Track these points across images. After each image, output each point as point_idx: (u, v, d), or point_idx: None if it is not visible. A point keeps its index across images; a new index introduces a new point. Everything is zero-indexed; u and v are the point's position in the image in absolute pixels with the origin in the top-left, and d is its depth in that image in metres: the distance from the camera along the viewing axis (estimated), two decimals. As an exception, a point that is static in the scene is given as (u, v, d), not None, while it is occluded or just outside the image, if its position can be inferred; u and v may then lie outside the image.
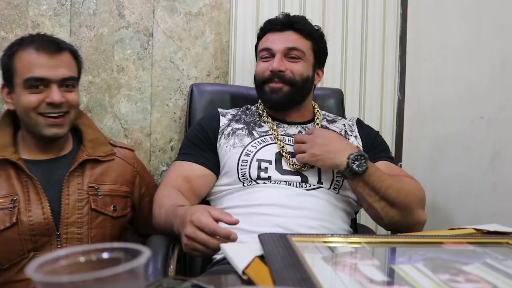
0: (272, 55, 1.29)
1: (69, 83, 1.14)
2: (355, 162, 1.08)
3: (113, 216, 1.22)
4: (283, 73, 1.26)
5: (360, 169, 1.08)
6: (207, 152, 1.26)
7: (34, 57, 1.11)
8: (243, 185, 1.19)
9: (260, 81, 1.30)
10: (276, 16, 1.36)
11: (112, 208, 1.21)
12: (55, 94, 1.10)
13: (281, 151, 1.22)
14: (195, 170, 1.23)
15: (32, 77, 1.09)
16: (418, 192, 1.19)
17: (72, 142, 1.25)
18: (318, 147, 1.12)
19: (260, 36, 1.36)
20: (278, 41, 1.29)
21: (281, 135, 1.27)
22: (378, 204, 1.11)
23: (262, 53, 1.31)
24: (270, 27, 1.33)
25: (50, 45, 1.13)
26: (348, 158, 1.08)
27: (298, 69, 1.28)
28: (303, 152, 1.14)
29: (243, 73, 1.67)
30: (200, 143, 1.28)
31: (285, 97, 1.27)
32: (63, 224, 1.13)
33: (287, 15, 1.34)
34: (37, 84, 1.10)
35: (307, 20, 1.36)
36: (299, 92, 1.30)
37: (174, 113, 1.65)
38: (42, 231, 1.11)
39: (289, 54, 1.28)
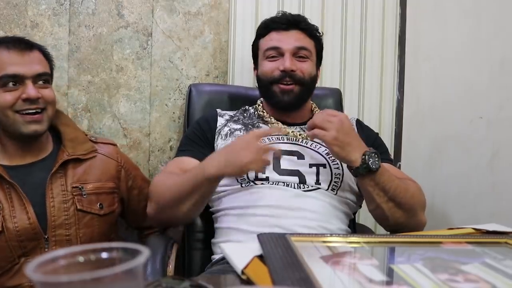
0: (280, 54, 1.27)
1: (43, 78, 1.13)
2: (370, 159, 1.05)
3: (100, 214, 1.20)
4: (294, 72, 1.26)
5: (374, 166, 1.05)
6: (205, 148, 1.26)
7: (5, 55, 1.10)
8: (241, 185, 1.18)
9: (268, 81, 1.28)
10: (277, 15, 1.35)
11: (98, 206, 1.20)
12: (30, 90, 1.09)
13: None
14: (192, 163, 1.21)
15: (6, 74, 1.08)
16: (421, 195, 1.20)
17: (51, 143, 1.23)
18: (342, 135, 1.06)
19: (261, 35, 1.34)
20: (286, 40, 1.28)
21: (280, 135, 1.27)
22: (386, 205, 1.10)
23: (269, 52, 1.29)
24: (275, 25, 1.31)
25: (20, 43, 1.13)
26: (364, 155, 1.05)
27: (307, 68, 1.28)
28: (324, 129, 1.07)
29: (242, 72, 1.67)
30: (198, 140, 1.28)
31: (296, 97, 1.27)
32: (50, 227, 1.12)
33: (290, 14, 1.34)
34: (11, 81, 1.09)
35: (306, 19, 1.35)
36: (308, 92, 1.31)
37: (173, 112, 1.65)
38: (29, 236, 1.10)
39: (298, 53, 1.27)
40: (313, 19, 1.42)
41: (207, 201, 1.16)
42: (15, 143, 1.15)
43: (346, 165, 1.11)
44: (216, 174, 1.04)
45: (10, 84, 1.09)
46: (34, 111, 1.11)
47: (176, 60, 1.64)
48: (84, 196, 1.18)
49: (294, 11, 1.57)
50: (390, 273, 0.66)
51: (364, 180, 1.08)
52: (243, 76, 1.67)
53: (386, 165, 1.23)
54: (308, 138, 1.25)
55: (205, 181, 1.05)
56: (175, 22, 1.63)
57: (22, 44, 1.13)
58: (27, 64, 1.10)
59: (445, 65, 1.60)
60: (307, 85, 1.28)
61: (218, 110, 1.38)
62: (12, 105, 1.09)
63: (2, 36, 1.21)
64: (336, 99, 1.62)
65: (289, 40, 1.28)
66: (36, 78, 1.11)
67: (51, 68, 1.20)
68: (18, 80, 1.09)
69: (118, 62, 1.59)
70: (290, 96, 1.26)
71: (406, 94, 1.82)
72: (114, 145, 1.34)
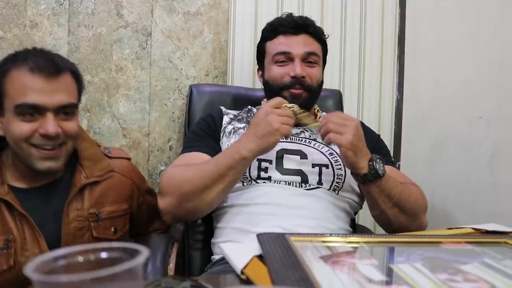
0: (289, 59, 1.26)
1: (68, 110, 0.99)
2: (377, 165, 1.05)
3: (113, 239, 1.11)
4: (304, 79, 1.25)
5: (381, 172, 1.04)
6: (213, 143, 1.25)
7: (28, 79, 0.94)
8: (243, 184, 1.18)
9: (278, 87, 1.26)
10: (284, 17, 1.32)
11: (112, 230, 1.11)
12: (50, 125, 0.95)
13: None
14: (204, 158, 1.19)
15: (25, 103, 0.94)
16: (423, 198, 1.20)
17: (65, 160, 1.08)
18: (357, 139, 1.03)
19: (268, 37, 1.32)
20: (295, 44, 1.26)
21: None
22: (391, 210, 1.09)
23: (278, 57, 1.27)
24: (283, 29, 1.29)
25: (48, 65, 0.96)
26: (371, 161, 1.04)
27: (316, 74, 1.28)
28: (340, 133, 1.03)
29: (242, 72, 1.68)
30: (206, 136, 1.27)
31: (304, 103, 1.25)
32: None
33: (299, 17, 1.32)
34: (30, 111, 0.94)
35: (312, 21, 1.33)
36: (315, 97, 1.31)
37: (173, 112, 1.65)
38: None
39: (308, 58, 1.26)
40: (313, 19, 1.42)
41: (233, 187, 1.14)
42: (26, 167, 1.02)
43: (350, 170, 1.09)
44: (255, 150, 1.05)
45: (29, 114, 0.95)
46: (51, 146, 0.98)
47: (175, 60, 1.64)
48: (100, 222, 1.08)
49: (293, 11, 1.57)
50: (389, 273, 0.66)
51: (370, 186, 1.07)
52: (242, 76, 1.68)
53: (388, 168, 1.24)
54: (317, 140, 1.24)
55: (241, 161, 1.05)
56: (175, 22, 1.63)
57: (51, 68, 0.96)
58: (51, 93, 0.95)
59: (444, 65, 1.61)
60: (315, 92, 1.29)
61: (223, 109, 1.37)
62: (28, 138, 0.96)
63: (28, 50, 1.02)
64: (336, 100, 1.62)
65: (298, 45, 1.26)
66: (58, 109, 0.97)
67: (80, 92, 1.05)
68: (38, 111, 0.95)
69: (117, 62, 1.59)
70: (299, 101, 1.23)
71: (405, 94, 1.82)
72: (128, 159, 1.23)
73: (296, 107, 1.13)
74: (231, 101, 1.53)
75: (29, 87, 0.94)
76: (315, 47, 1.29)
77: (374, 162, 1.04)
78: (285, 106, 1.11)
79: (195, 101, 1.52)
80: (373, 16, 1.81)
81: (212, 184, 1.07)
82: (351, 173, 1.10)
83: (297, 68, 1.23)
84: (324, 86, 1.68)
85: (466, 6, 1.50)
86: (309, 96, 1.27)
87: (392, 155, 1.79)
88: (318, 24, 1.34)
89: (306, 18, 1.32)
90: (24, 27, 1.50)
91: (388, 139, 1.82)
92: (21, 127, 0.95)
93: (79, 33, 1.55)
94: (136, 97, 1.61)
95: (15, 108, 0.94)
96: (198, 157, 1.20)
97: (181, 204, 1.11)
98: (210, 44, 1.67)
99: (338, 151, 1.24)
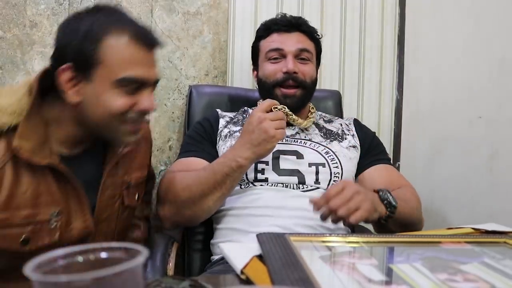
0: (282, 56, 1.27)
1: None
2: (387, 197, 1.01)
3: (135, 207, 1.07)
4: (296, 75, 1.25)
5: (394, 202, 1.01)
6: (209, 147, 1.26)
7: (132, 50, 0.87)
8: (240, 187, 1.18)
9: (271, 84, 1.27)
10: (277, 17, 1.34)
11: (136, 197, 1.05)
12: (150, 101, 0.89)
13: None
14: (201, 164, 1.19)
15: (130, 77, 0.86)
16: (419, 203, 1.19)
17: None
18: (368, 202, 0.94)
19: (262, 36, 1.33)
20: (288, 41, 1.27)
21: None
22: (393, 227, 1.06)
23: (271, 54, 1.28)
24: (276, 27, 1.30)
25: (149, 35, 0.91)
26: (381, 198, 1.01)
27: (309, 71, 1.28)
28: (356, 209, 0.90)
29: (241, 72, 1.67)
30: (202, 140, 1.27)
31: (298, 101, 1.26)
32: (95, 223, 0.96)
33: (291, 16, 1.33)
34: (133, 86, 0.87)
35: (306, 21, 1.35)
36: (309, 95, 1.30)
37: (173, 112, 1.65)
38: (81, 240, 0.91)
39: (300, 55, 1.27)
40: (312, 20, 1.42)
41: (230, 194, 1.15)
42: (73, 130, 0.91)
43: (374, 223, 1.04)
44: (252, 158, 1.06)
45: (129, 89, 0.87)
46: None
47: (175, 60, 1.64)
48: (130, 189, 1.03)
49: (293, 11, 1.58)
50: (389, 272, 0.66)
51: (390, 221, 1.02)
52: (242, 76, 1.67)
53: (381, 166, 1.24)
54: (312, 139, 1.24)
55: (238, 169, 1.06)
56: (174, 22, 1.63)
57: (153, 38, 0.92)
58: (151, 66, 0.91)
59: (444, 65, 1.61)
60: (309, 88, 1.28)
61: (219, 111, 1.37)
62: (124, 113, 0.87)
63: (115, 9, 0.92)
64: (335, 101, 1.62)
65: (291, 41, 1.27)
66: (154, 84, 0.93)
67: None
68: (140, 85, 0.88)
69: (117, 62, 1.59)
70: (292, 100, 1.25)
71: (405, 94, 1.82)
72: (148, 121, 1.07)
73: (286, 109, 1.13)
74: (230, 102, 1.53)
75: (134, 59, 0.87)
76: (308, 44, 1.30)
77: (383, 196, 1.02)
78: (276, 108, 1.12)
79: (195, 101, 1.52)
80: (373, 16, 1.81)
81: (210, 192, 1.08)
82: (375, 225, 1.07)
83: (290, 64, 1.24)
84: (323, 87, 1.68)
85: (465, 7, 1.50)
86: (303, 93, 1.27)
87: (391, 155, 1.80)
88: (317, 25, 1.36)
89: (300, 18, 1.34)
90: (23, 27, 1.50)
91: (387, 139, 1.82)
92: (118, 101, 0.86)
93: (78, 33, 1.55)
94: (136, 97, 1.61)
95: (117, 81, 0.85)
96: (195, 162, 1.21)
97: (180, 212, 1.13)
98: (210, 44, 1.67)
99: (334, 150, 1.24)
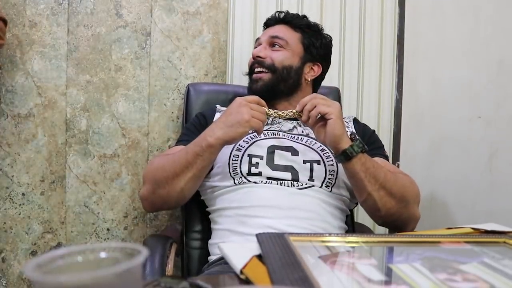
0: (260, 45, 1.35)
1: None
2: (357, 141, 1.06)
3: None
4: (262, 59, 1.31)
5: (362, 145, 1.05)
6: None
7: None
8: (234, 182, 1.18)
9: (249, 73, 1.36)
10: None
11: None
12: None
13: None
14: None
15: None
16: (413, 186, 1.18)
17: None
18: (340, 120, 1.06)
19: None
20: (267, 33, 1.36)
21: (275, 130, 1.27)
22: (377, 193, 1.07)
23: (254, 46, 1.38)
24: (267, 22, 1.41)
25: None
26: (351, 137, 1.07)
27: (278, 56, 1.31)
28: (328, 105, 1.06)
29: (241, 72, 1.67)
30: (195, 131, 1.27)
31: (266, 85, 1.30)
32: None
33: (283, 12, 1.39)
34: None
35: (303, 17, 1.39)
36: (281, 80, 1.31)
37: (172, 112, 1.65)
38: None
39: (272, 42, 1.33)
40: (312, 18, 1.42)
41: (203, 176, 1.16)
42: None
43: (337, 159, 1.09)
44: (222, 138, 1.06)
45: None
46: None
47: (174, 59, 1.64)
48: None
49: (292, 11, 1.57)
50: (388, 272, 0.66)
51: (355, 164, 1.05)
52: (241, 75, 1.67)
53: (379, 160, 1.23)
54: (309, 135, 1.24)
55: (207, 149, 1.07)
56: (174, 21, 1.63)
57: None
58: None
59: (443, 65, 1.61)
60: (279, 73, 1.30)
61: (218, 106, 1.39)
62: None
63: None
64: (334, 98, 1.62)
65: (268, 32, 1.35)
66: None
67: None
68: None
69: (116, 62, 1.59)
70: (258, 84, 1.30)
71: (404, 93, 1.83)
72: None
73: (271, 112, 1.13)
74: (228, 100, 1.53)
75: None
76: (285, 33, 1.34)
77: (353, 137, 1.07)
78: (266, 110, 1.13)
79: (192, 100, 1.52)
80: (373, 16, 1.81)
81: (181, 172, 1.10)
82: (334, 155, 1.09)
83: (256, 50, 1.33)
84: (322, 84, 1.68)
85: (465, 6, 1.50)
86: (271, 77, 1.30)
87: (391, 154, 1.80)
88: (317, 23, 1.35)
89: (287, 12, 1.40)
90: (23, 26, 1.50)
91: (387, 139, 1.82)
92: None
93: (78, 32, 1.55)
94: (135, 97, 1.61)
95: None
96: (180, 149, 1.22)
97: (155, 191, 1.15)
98: (210, 44, 1.67)
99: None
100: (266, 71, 1.30)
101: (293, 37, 1.33)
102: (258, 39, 1.38)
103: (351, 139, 1.07)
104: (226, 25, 1.68)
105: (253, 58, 1.33)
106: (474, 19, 1.45)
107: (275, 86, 1.30)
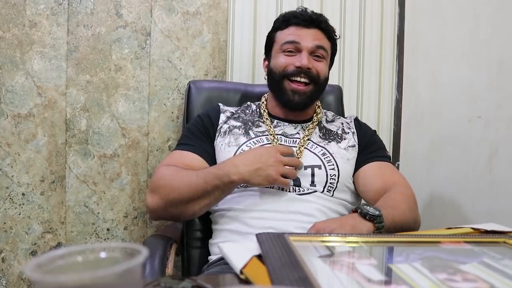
0: (297, 50, 1.25)
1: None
2: (367, 210, 0.97)
3: None
4: (309, 70, 1.24)
5: (377, 212, 0.97)
6: (207, 144, 1.26)
7: None
8: (238, 186, 1.17)
9: (280, 75, 1.25)
10: (298, 10, 1.31)
11: None
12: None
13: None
14: (195, 160, 1.20)
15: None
16: (411, 202, 1.14)
17: None
18: (343, 228, 0.94)
19: (279, 27, 1.31)
20: (307, 37, 1.25)
21: (278, 134, 1.26)
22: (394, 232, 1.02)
23: (286, 46, 1.26)
24: (295, 20, 1.28)
25: None
26: (362, 215, 0.97)
27: (322, 68, 1.27)
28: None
29: (241, 72, 1.68)
30: (200, 135, 1.27)
31: (307, 98, 1.25)
32: None
33: (312, 12, 1.31)
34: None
35: (327, 20, 1.33)
36: (319, 92, 1.29)
37: (172, 112, 1.65)
38: None
39: (316, 52, 1.26)
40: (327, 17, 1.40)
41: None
42: None
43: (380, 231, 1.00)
44: (245, 179, 1.06)
45: None
46: None
47: (174, 59, 1.64)
48: None
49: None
50: (388, 272, 0.66)
51: (384, 230, 0.99)
52: (241, 75, 1.68)
53: (374, 164, 1.22)
54: (311, 139, 1.25)
55: (229, 184, 1.07)
56: (174, 21, 1.63)
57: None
58: None
59: (443, 65, 1.61)
60: (320, 86, 1.27)
61: (221, 106, 1.36)
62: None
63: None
64: (336, 95, 1.61)
65: (308, 37, 1.25)
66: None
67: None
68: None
69: (116, 62, 1.59)
70: (301, 97, 1.24)
71: (404, 93, 1.83)
72: None
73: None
74: (230, 97, 1.53)
75: None
76: (325, 42, 1.28)
77: (362, 212, 0.97)
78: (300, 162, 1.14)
79: (193, 97, 1.51)
80: (373, 16, 1.81)
81: (198, 198, 1.09)
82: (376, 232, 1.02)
83: (304, 59, 1.23)
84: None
85: (465, 6, 1.50)
86: (314, 90, 1.26)
87: (391, 154, 1.80)
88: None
89: (321, 15, 1.31)
90: (23, 26, 1.50)
91: (387, 139, 1.82)
92: None
93: (78, 32, 1.55)
94: (135, 97, 1.61)
95: None
96: (190, 157, 1.21)
97: (167, 209, 1.13)
98: (209, 44, 1.67)
99: (331, 151, 1.23)
100: (309, 82, 1.25)
101: (329, 47, 1.30)
102: (296, 43, 1.25)
103: (365, 217, 0.97)
104: (226, 25, 1.68)
105: (299, 68, 1.23)
106: (474, 19, 1.45)
107: (313, 98, 1.29)
